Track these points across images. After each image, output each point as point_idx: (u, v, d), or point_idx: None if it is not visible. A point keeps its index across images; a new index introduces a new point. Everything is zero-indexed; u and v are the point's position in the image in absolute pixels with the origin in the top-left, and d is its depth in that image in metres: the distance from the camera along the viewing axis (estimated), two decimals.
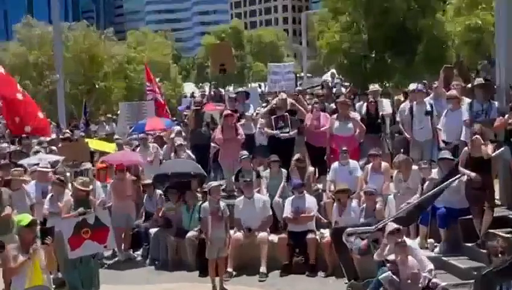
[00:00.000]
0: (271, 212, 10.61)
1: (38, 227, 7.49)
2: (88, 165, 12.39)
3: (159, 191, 12.20)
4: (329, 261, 9.87)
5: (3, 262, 6.96)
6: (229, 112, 12.56)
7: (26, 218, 7.02)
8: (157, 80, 25.21)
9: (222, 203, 9.63)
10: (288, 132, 12.06)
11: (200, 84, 67.51)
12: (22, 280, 6.50)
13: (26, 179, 10.90)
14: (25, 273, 6.55)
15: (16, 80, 16.07)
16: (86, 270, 8.60)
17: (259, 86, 40.23)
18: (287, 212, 10.41)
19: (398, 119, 12.55)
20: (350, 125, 11.87)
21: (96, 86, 38.56)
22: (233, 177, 11.96)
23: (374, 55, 30.44)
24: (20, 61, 37.15)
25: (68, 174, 11.42)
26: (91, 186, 9.38)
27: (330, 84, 21.27)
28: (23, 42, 41.07)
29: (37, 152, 13.32)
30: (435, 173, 9.90)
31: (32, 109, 13.77)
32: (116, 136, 17.03)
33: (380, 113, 12.72)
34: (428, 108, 11.68)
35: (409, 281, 7.88)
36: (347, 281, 8.93)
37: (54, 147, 14.39)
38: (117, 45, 44.12)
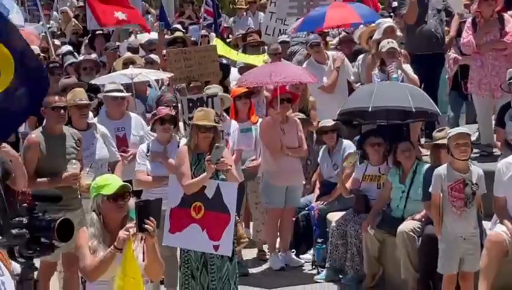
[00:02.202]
0: None
1: (133, 199, 4.80)
2: (216, 89, 8.21)
3: (346, 143, 8.35)
4: None
5: (67, 260, 5.94)
6: None
7: (111, 182, 4.72)
8: None
9: (475, 170, 6.44)
10: None
11: None
12: None
13: None
14: (109, 279, 4.53)
15: None
16: (215, 285, 6.54)
17: None
18: None
19: None
20: None
21: None
22: (493, 119, 8.28)
23: None
24: None
25: (180, 105, 7.98)
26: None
27: None
28: None
29: (130, 63, 9.61)
30: None
31: None
32: (267, 39, 12.68)
33: None
34: None
35: None
36: None
37: (154, 56, 10.57)
38: None
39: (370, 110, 7.82)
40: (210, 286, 6.50)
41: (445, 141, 6.72)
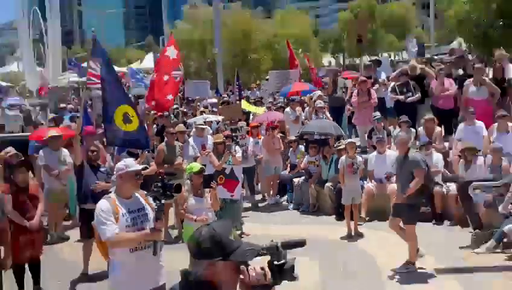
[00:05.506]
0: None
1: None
2: (243, 123, 12.27)
3: (301, 147, 12.05)
4: (455, 212, 9.45)
5: (178, 202, 7.26)
6: (364, 78, 12.18)
7: (196, 166, 7.16)
8: (299, 51, 25.04)
9: (358, 158, 9.47)
10: (411, 96, 11.59)
11: (336, 54, 66.49)
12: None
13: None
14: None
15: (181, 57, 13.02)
16: (229, 210, 8.95)
17: (389, 56, 38.97)
18: None
19: None
20: (484, 89, 11.03)
21: (249, 58, 39.28)
22: (366, 136, 11.67)
23: (502, 23, 28.01)
24: (186, 38, 38.50)
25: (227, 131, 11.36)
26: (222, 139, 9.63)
27: (457, 52, 19.81)
28: (188, 21, 42.52)
29: (202, 112, 13.27)
30: None
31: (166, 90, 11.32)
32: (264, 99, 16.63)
33: (507, 78, 11.48)
34: None
35: None
36: (472, 231, 8.53)
37: (215, 109, 14.48)
38: (265, 22, 44.53)
39: (315, 133, 11.38)
40: (228, 209, 8.69)
41: (342, 147, 9.86)
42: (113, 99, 7.13)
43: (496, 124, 10.15)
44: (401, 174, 7.68)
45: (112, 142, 7.79)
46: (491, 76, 11.66)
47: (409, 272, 7.38)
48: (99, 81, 7.65)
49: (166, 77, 10.73)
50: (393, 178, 8.63)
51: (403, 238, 7.65)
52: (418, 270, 7.45)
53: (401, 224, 7.63)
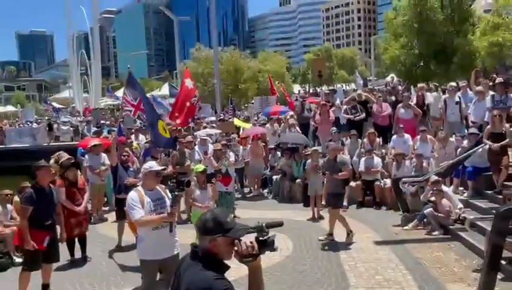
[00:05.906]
0: (350, 167, 9.70)
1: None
2: (235, 135, 12.01)
3: (278, 153, 11.87)
4: (390, 200, 9.43)
5: (188, 193, 7.08)
6: (324, 102, 12.18)
7: (200, 167, 6.99)
8: (277, 82, 25.06)
9: (320, 160, 9.18)
10: (358, 116, 11.56)
11: (303, 85, 66.87)
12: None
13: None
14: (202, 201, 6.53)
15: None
16: (225, 199, 8.38)
17: (342, 86, 39.23)
18: (362, 167, 9.91)
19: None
20: (410, 111, 11.08)
21: (239, 87, 39.33)
22: (326, 144, 11.13)
23: (422, 64, 28.80)
24: (193, 72, 38.45)
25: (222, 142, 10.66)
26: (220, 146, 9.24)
27: (390, 84, 20.16)
28: (195, 60, 42.51)
29: (205, 127, 13.08)
30: (465, 143, 9.13)
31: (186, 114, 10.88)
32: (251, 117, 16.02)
33: (426, 103, 11.67)
34: (457, 99, 10.64)
35: (444, 215, 7.53)
36: (401, 213, 8.52)
37: (214, 125, 14.09)
38: (251, 60, 44.60)
39: (290, 143, 11.05)
40: (224, 199, 7.95)
41: (308, 152, 9.53)
42: (153, 117, 7.37)
43: (419, 136, 10.21)
44: (332, 171, 7.46)
45: (159, 145, 7.85)
46: (415, 101, 11.65)
47: (354, 242, 7.26)
48: (130, 105, 7.71)
49: (188, 104, 10.53)
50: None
51: (331, 221, 7.50)
52: (362, 241, 7.35)
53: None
